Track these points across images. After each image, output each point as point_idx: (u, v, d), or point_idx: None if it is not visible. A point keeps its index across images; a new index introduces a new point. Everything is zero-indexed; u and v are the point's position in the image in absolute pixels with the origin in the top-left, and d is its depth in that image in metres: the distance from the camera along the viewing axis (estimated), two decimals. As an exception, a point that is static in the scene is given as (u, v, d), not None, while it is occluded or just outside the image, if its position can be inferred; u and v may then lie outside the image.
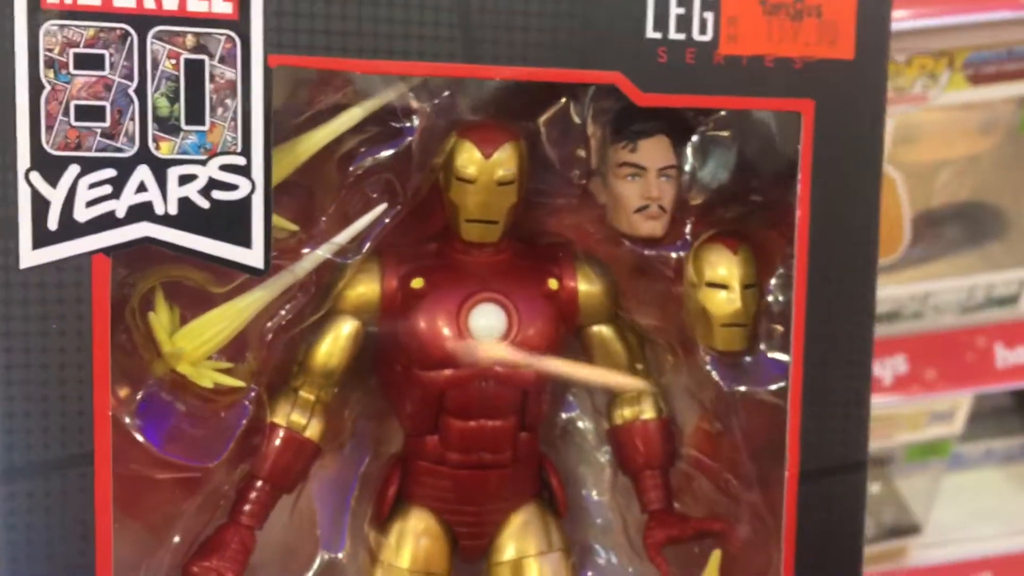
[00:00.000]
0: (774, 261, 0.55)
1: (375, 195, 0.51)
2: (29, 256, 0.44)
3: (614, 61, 0.49)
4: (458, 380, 0.53)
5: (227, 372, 0.50)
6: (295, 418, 0.53)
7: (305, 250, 0.50)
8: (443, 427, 0.54)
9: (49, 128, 0.44)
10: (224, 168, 0.46)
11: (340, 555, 0.55)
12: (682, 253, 0.55)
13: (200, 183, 0.46)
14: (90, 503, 0.45)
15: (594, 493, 0.59)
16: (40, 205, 0.44)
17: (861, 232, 0.53)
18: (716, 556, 0.56)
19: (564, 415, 0.59)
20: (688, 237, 0.55)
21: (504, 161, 0.51)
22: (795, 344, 0.52)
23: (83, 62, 0.44)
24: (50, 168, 0.44)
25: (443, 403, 0.53)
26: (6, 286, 0.44)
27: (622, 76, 0.49)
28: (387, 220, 0.51)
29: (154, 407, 0.50)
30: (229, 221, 0.46)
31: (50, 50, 0.44)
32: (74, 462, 0.45)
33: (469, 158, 0.51)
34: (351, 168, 0.51)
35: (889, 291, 0.84)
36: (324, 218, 0.51)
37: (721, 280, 0.54)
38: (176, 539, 0.51)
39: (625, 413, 0.58)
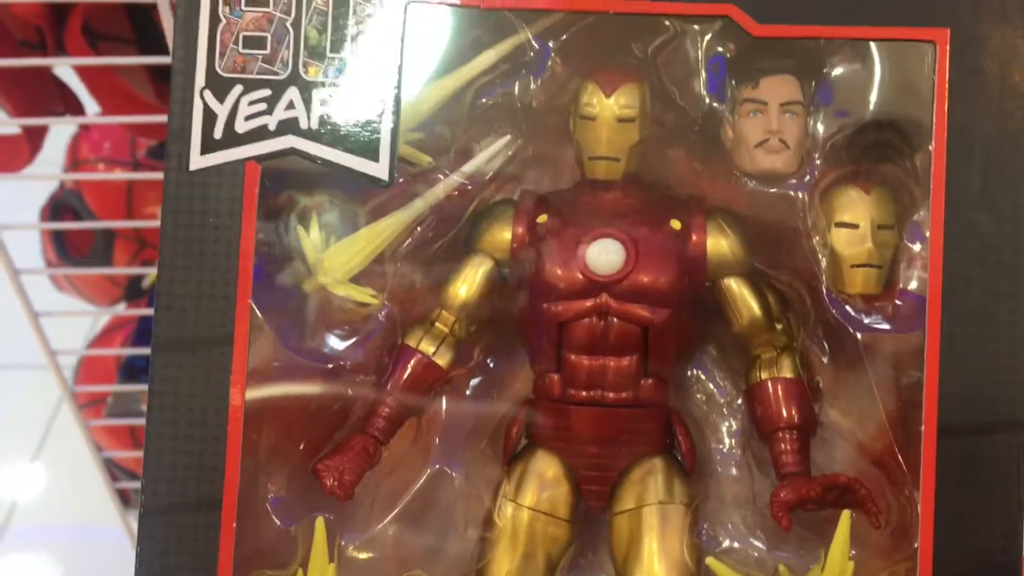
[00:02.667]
0: (915, 201, 0.52)
1: (500, 128, 0.55)
2: (197, 160, 0.52)
3: (729, -12, 0.50)
4: (576, 313, 0.54)
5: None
6: (424, 345, 0.56)
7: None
8: (564, 363, 0.55)
9: (222, 54, 0.52)
10: (359, 90, 0.52)
11: (454, 472, 0.57)
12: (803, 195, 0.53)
13: (339, 103, 0.52)
14: (227, 380, 0.51)
15: (723, 448, 0.56)
16: (209, 118, 0.52)
17: (1008, 169, 0.49)
18: (846, 517, 0.51)
19: (695, 370, 0.58)
20: (814, 176, 0.53)
21: (624, 100, 0.54)
22: (932, 290, 0.49)
23: (253, 0, 0.53)
24: (219, 87, 0.52)
25: (563, 337, 0.55)
26: (178, 184, 0.52)
27: (735, 7, 0.51)
28: (510, 152, 0.55)
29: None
30: (360, 137, 0.52)
31: (228, -10, 0.53)
32: (216, 342, 0.51)
33: (591, 97, 0.54)
34: (481, 101, 0.55)
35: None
36: (453, 150, 0.55)
37: (851, 219, 0.52)
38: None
39: (762, 373, 0.56)
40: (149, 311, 1.02)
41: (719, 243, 0.55)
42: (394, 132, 0.52)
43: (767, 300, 0.56)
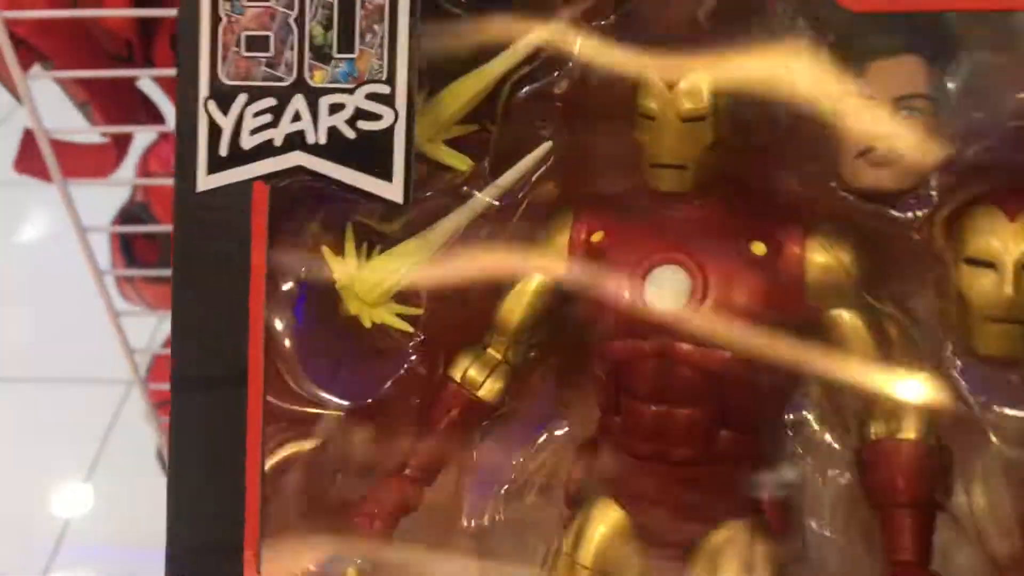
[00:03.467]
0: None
1: (541, 132, 0.46)
2: (204, 180, 0.47)
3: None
4: (634, 354, 0.45)
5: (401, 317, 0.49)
6: (471, 374, 0.49)
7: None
8: (625, 409, 0.46)
9: (224, 59, 0.46)
10: (369, 97, 0.44)
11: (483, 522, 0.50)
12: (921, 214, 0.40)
13: (347, 113, 0.45)
14: (239, 439, 0.47)
15: (816, 524, 0.46)
16: (214, 132, 0.46)
17: None
18: None
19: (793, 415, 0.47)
20: (934, 193, 0.40)
21: (691, 92, 0.42)
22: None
23: (253, -6, 0.46)
24: (223, 97, 0.46)
25: (621, 380, 0.46)
26: (185, 207, 0.47)
27: (827, -27, 0.38)
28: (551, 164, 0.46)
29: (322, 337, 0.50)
30: (372, 152, 0.44)
31: (228, -17, 0.46)
32: (225, 384, 0.47)
33: (650, 90, 0.43)
34: (518, 96, 0.46)
35: None
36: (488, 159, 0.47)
37: (988, 256, 0.39)
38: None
39: (879, 429, 0.44)
40: None
41: (824, 266, 0.44)
42: (408, 145, 0.44)
43: (885, 335, 0.44)
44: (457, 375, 0.49)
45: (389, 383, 0.50)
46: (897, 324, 0.44)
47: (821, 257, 0.44)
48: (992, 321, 0.39)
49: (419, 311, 0.50)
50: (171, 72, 0.76)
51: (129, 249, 1.17)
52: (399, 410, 0.50)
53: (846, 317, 0.44)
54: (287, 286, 0.48)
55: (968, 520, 0.42)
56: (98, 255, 0.85)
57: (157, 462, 1.32)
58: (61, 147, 0.77)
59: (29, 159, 0.79)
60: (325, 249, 0.49)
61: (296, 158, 0.46)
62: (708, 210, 0.45)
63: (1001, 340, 0.39)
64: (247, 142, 0.46)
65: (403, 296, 0.49)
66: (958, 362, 0.41)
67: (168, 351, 1.16)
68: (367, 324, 0.48)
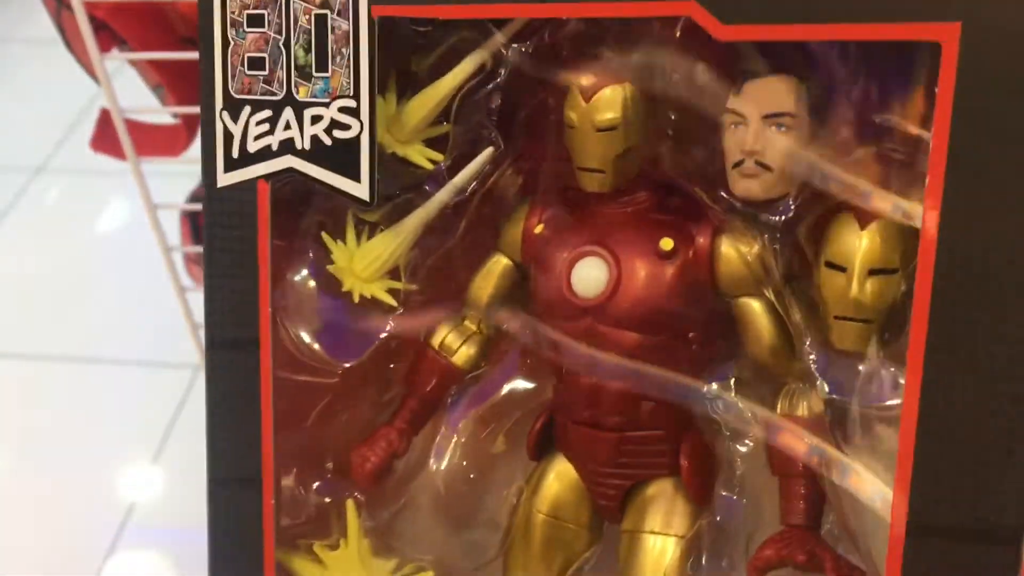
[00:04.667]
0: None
1: (489, 136, 0.52)
2: (222, 178, 0.56)
3: (690, -15, 0.42)
4: (567, 331, 0.51)
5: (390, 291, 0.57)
6: (448, 340, 0.57)
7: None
8: (563, 380, 0.53)
9: (233, 76, 0.55)
10: (341, 110, 0.52)
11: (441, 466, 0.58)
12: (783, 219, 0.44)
13: (325, 123, 0.53)
14: (254, 390, 0.57)
15: (735, 476, 0.51)
16: (228, 138, 0.56)
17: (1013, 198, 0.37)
18: None
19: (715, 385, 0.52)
20: (792, 202, 0.44)
21: (604, 105, 0.48)
22: (912, 354, 0.39)
23: (252, 21, 0.54)
24: (233, 108, 0.55)
25: (559, 354, 0.53)
26: (210, 200, 0.57)
27: (696, 4, 0.42)
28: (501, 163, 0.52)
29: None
30: (344, 157, 0.52)
31: (233, 12, 0.54)
32: (242, 346, 0.57)
33: (571, 102, 0.49)
34: (463, 110, 0.53)
35: None
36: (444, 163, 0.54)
37: (840, 260, 0.43)
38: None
39: (783, 404, 0.49)
40: None
41: (729, 256, 0.48)
42: (372, 151, 0.52)
43: (786, 326, 0.48)
44: (436, 342, 0.57)
45: (374, 348, 0.58)
46: (798, 311, 0.48)
47: (730, 251, 0.48)
48: (838, 318, 0.43)
49: (407, 286, 0.58)
50: None
51: (199, 232, 1.25)
52: (388, 371, 0.59)
53: (753, 305, 0.49)
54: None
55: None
56: (170, 239, 0.90)
57: None
58: (135, 127, 0.83)
59: (104, 139, 0.85)
60: (325, 236, 0.58)
61: (288, 161, 0.54)
62: (639, 207, 0.50)
63: (846, 334, 0.43)
64: (252, 146, 0.55)
65: (390, 274, 0.57)
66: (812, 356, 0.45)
67: None
68: (356, 299, 0.57)
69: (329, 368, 0.59)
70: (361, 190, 0.53)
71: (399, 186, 0.55)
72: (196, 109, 0.89)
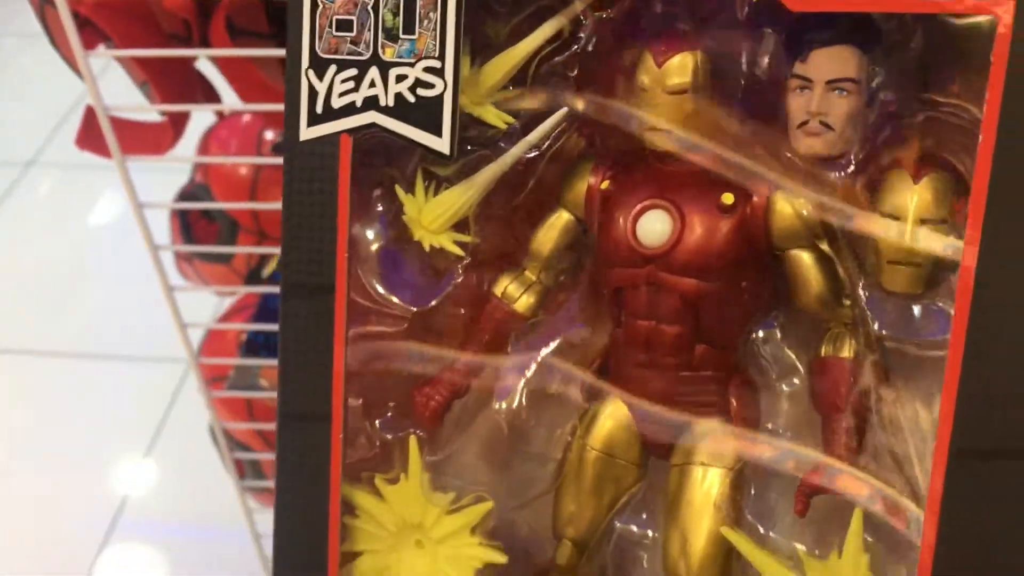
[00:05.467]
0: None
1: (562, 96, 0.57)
2: (305, 132, 0.60)
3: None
4: (628, 280, 0.56)
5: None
6: (510, 290, 0.61)
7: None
8: (625, 324, 0.58)
9: (320, 37, 0.59)
10: (426, 70, 0.56)
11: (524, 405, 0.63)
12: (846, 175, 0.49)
13: (409, 82, 0.57)
14: (329, 332, 0.61)
15: (770, 424, 0.56)
16: (313, 94, 0.60)
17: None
18: (858, 515, 0.50)
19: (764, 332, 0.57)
20: (856, 159, 0.49)
21: (675, 70, 0.52)
22: (960, 296, 0.44)
23: (342, -14, 0.58)
24: (319, 67, 0.59)
25: (621, 300, 0.57)
26: (292, 153, 0.61)
27: (771, -22, 0.47)
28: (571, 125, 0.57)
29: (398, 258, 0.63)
30: (427, 113, 0.57)
31: (323, -22, 0.59)
32: (319, 291, 0.61)
33: (644, 67, 0.53)
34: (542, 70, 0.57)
35: None
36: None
37: (894, 211, 0.48)
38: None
39: (827, 349, 0.54)
40: (271, 289, 1.08)
41: (784, 212, 0.53)
42: (454, 108, 0.56)
43: (836, 275, 0.54)
44: (499, 291, 0.62)
45: (441, 297, 0.63)
46: (841, 263, 0.53)
47: (785, 207, 0.53)
48: (891, 263, 0.48)
49: (473, 239, 0.62)
50: (227, 52, 0.82)
51: (188, 231, 1.26)
52: (453, 318, 0.63)
53: (803, 257, 0.54)
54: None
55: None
56: (160, 238, 0.90)
57: (211, 438, 1.35)
58: (120, 125, 0.82)
59: (90, 136, 0.85)
60: (398, 188, 0.62)
61: (371, 116, 0.59)
62: (691, 166, 0.55)
63: (898, 278, 0.48)
64: (336, 103, 0.59)
65: (458, 227, 0.61)
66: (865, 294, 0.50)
67: (223, 326, 1.24)
68: (427, 247, 0.61)
69: (399, 314, 0.63)
70: (442, 144, 0.57)
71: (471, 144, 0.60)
72: (182, 107, 0.91)
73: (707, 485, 0.56)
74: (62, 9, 0.74)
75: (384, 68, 0.58)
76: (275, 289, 1.19)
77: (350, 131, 0.59)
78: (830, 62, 0.49)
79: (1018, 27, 0.42)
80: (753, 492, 0.57)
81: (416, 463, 0.63)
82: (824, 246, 0.53)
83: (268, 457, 1.26)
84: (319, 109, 0.60)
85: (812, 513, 0.52)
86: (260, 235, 1.28)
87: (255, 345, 1.26)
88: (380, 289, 0.63)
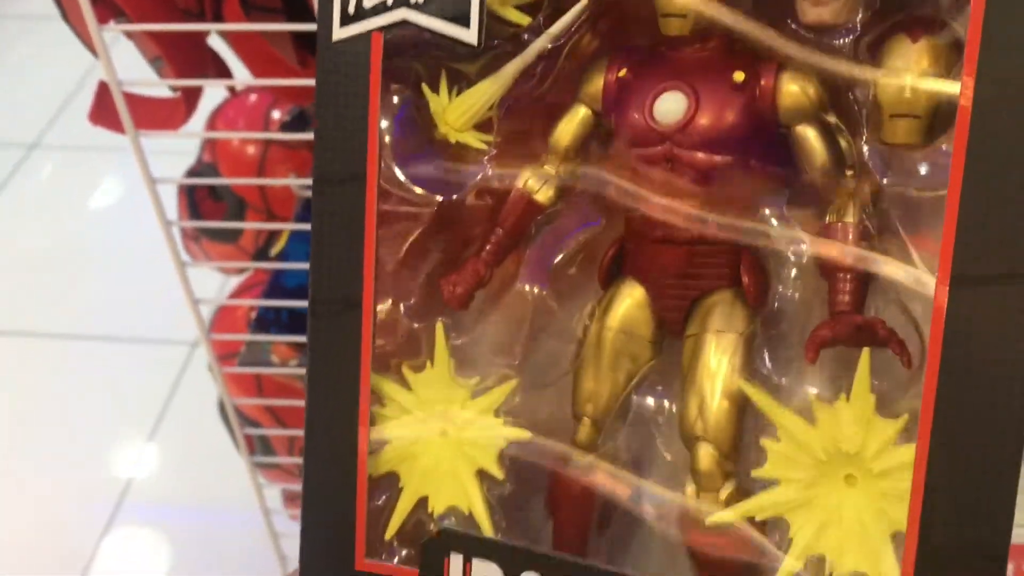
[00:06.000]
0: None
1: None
2: (337, 32, 0.64)
3: None
4: (647, 158, 0.61)
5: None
6: (531, 183, 0.66)
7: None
8: (639, 204, 0.62)
9: (352, -61, 0.63)
10: (456, -32, 0.61)
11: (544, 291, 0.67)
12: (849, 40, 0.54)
13: (438, -21, 0.61)
14: (360, 219, 0.64)
15: (790, 289, 0.61)
16: (345, -3, 0.64)
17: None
18: (865, 354, 0.55)
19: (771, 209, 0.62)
20: (859, 25, 0.54)
21: (692, -41, 0.57)
22: (958, 134, 0.49)
23: None
24: (351, -29, 0.63)
25: (640, 178, 0.62)
26: (325, 52, 0.65)
27: None
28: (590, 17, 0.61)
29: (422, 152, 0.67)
30: (455, 7, 0.61)
31: None
32: (349, 180, 0.64)
33: (662, -42, 0.58)
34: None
35: None
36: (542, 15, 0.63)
37: (894, 70, 0.53)
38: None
39: (829, 217, 0.59)
40: (281, 265, 1.11)
41: (791, 91, 0.58)
42: (481, 2, 0.60)
43: (839, 147, 0.58)
44: (520, 183, 0.66)
45: (466, 188, 0.67)
46: (843, 136, 0.58)
47: (792, 86, 0.58)
48: (894, 116, 0.53)
49: (495, 138, 0.66)
50: (240, 27, 0.85)
51: (196, 210, 1.30)
52: (477, 210, 0.67)
53: (808, 132, 0.59)
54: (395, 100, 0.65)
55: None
56: (168, 213, 0.92)
57: (219, 415, 1.37)
58: (133, 100, 0.85)
59: (103, 111, 0.88)
60: (424, 86, 0.66)
61: (402, 13, 0.63)
62: (702, 50, 0.59)
63: (901, 129, 0.53)
64: (367, 3, 0.63)
65: (481, 124, 0.66)
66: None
67: (235, 302, 1.28)
68: (452, 141, 0.65)
69: (425, 203, 0.67)
70: (471, 35, 0.61)
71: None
72: (196, 82, 0.93)
73: (721, 349, 0.61)
74: (75, -18, 0.77)
75: (414, -32, 0.62)
76: (283, 266, 1.22)
77: (381, 28, 0.63)
78: (836, -61, 0.54)
79: None
80: (766, 351, 0.61)
81: (443, 349, 0.66)
82: (831, 117, 0.58)
83: (277, 433, 1.29)
84: (351, 10, 0.64)
85: (822, 360, 0.56)
86: (268, 214, 1.31)
87: (265, 322, 1.28)
88: (406, 179, 0.67)
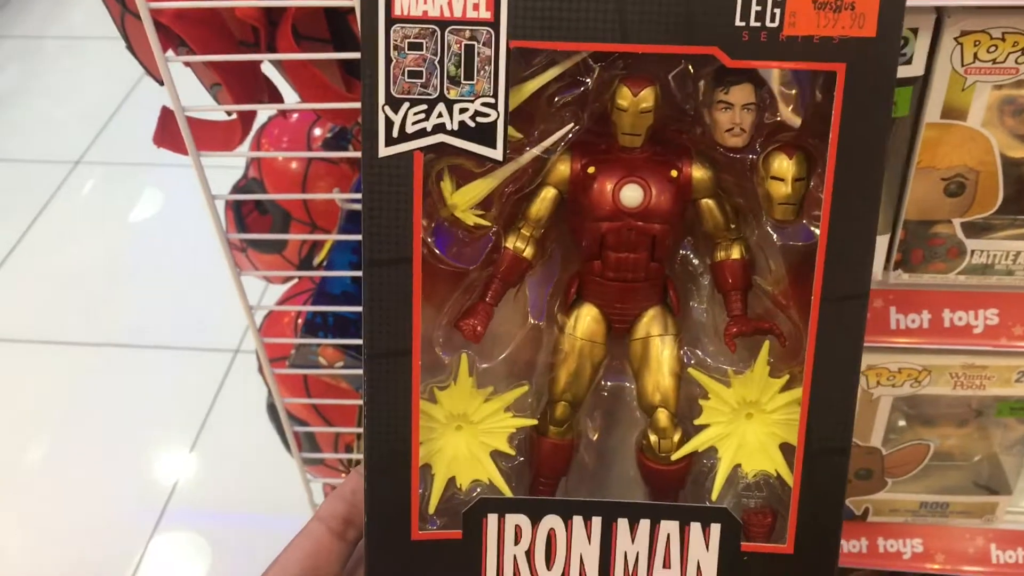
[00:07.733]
0: (818, 164, 0.86)
1: (567, 117, 0.87)
2: (383, 151, 0.83)
3: (712, 40, 0.81)
4: (612, 228, 0.89)
5: (482, 217, 0.89)
6: (517, 244, 0.91)
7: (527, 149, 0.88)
8: (603, 257, 0.91)
9: (394, 82, 0.82)
10: (483, 104, 0.83)
11: (540, 322, 0.95)
12: (753, 157, 0.88)
13: (470, 113, 0.83)
14: (409, 291, 0.85)
15: (696, 303, 0.95)
16: (389, 123, 0.82)
17: (868, 168, 0.83)
18: (766, 344, 0.90)
19: (683, 252, 0.94)
20: (758, 148, 0.87)
21: (645, 98, 0.85)
22: (823, 224, 0.84)
23: (412, 47, 0.81)
24: (394, 104, 0.82)
25: (603, 241, 0.90)
26: (371, 167, 0.83)
27: (718, 49, 0.82)
28: (571, 135, 0.88)
29: (442, 232, 0.89)
30: (484, 133, 0.83)
31: (396, 39, 0.81)
32: (400, 262, 0.85)
33: (623, 95, 0.86)
34: (555, 100, 0.87)
35: (983, 244, 1.08)
36: (536, 132, 0.88)
37: (779, 174, 0.87)
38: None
39: (720, 254, 0.92)
40: (325, 273, 1.25)
41: (699, 176, 0.90)
42: (504, 129, 0.84)
43: (727, 210, 0.91)
44: (509, 245, 0.91)
45: (483, 255, 0.91)
46: (731, 204, 0.91)
47: (699, 173, 0.90)
48: (780, 204, 0.87)
49: (489, 223, 0.90)
50: (292, 56, 0.93)
51: (242, 223, 1.34)
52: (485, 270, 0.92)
53: (710, 202, 0.91)
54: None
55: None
56: (211, 231, 1.01)
57: (268, 415, 1.44)
58: (194, 124, 0.95)
59: (166, 135, 0.96)
60: (434, 178, 0.87)
61: (439, 138, 0.83)
62: (650, 154, 0.89)
63: (785, 212, 0.88)
64: (410, 129, 0.83)
65: (482, 205, 0.89)
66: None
67: (285, 308, 1.39)
68: (469, 223, 0.88)
69: (457, 271, 0.90)
70: (496, 154, 0.84)
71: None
72: (252, 107, 0.99)
73: (664, 346, 0.93)
74: (146, 20, 0.84)
75: (449, 104, 0.83)
76: (328, 274, 1.31)
77: (423, 149, 0.84)
78: (743, 92, 0.85)
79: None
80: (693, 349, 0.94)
81: (465, 371, 0.91)
82: (721, 193, 0.90)
83: (323, 431, 1.36)
84: (395, 134, 0.83)
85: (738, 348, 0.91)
86: (312, 225, 1.37)
87: (314, 326, 1.35)
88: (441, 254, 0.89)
